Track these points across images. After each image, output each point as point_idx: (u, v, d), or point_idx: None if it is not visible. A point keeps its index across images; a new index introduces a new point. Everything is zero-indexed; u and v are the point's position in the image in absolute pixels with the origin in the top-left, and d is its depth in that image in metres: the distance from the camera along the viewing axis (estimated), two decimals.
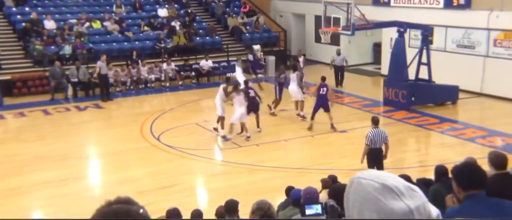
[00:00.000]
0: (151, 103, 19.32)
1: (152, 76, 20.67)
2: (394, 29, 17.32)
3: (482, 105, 17.55)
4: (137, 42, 22.22)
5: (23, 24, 21.21)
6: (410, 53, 17.01)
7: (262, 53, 21.97)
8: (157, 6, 25.08)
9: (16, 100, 18.85)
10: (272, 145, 13.67)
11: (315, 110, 14.41)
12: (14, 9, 22.73)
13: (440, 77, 17.06)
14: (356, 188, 1.54)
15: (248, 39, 23.99)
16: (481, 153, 10.93)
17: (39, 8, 22.96)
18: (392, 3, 20.94)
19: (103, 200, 1.49)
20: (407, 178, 5.51)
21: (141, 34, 22.82)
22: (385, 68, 19.89)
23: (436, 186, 6.32)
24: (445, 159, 10.63)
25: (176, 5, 25.29)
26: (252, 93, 14.40)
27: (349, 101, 18.26)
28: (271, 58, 23.06)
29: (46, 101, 18.43)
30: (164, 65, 20.95)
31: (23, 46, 20.97)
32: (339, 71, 20.33)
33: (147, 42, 22.45)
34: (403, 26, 16.75)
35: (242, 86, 14.67)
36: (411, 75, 16.75)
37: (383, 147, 10.28)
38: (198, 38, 23.32)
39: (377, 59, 23.57)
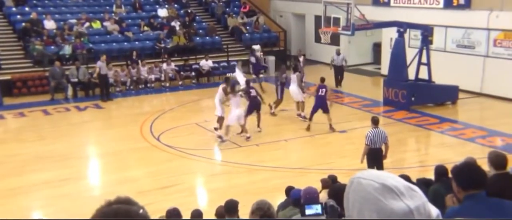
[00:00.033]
0: (151, 103, 19.31)
1: (152, 76, 20.66)
2: (394, 29, 17.32)
3: (482, 105, 17.55)
4: (137, 42, 22.21)
5: (23, 24, 21.20)
6: (410, 53, 17.01)
7: (262, 53, 21.96)
8: (157, 6, 25.07)
9: (16, 100, 18.84)
10: (272, 145, 13.66)
11: (314, 111, 14.41)
12: (14, 9, 22.72)
13: (440, 77, 17.06)
14: (356, 188, 1.54)
15: (248, 39, 23.98)
16: (481, 153, 10.93)
17: (39, 8, 22.95)
18: (392, 3, 20.93)
19: (103, 200, 1.50)
20: (407, 178, 5.52)
21: (141, 34, 22.81)
22: (385, 68, 19.89)
23: (436, 186, 6.32)
24: (445, 159, 10.63)
25: (176, 5, 25.28)
26: (253, 93, 14.40)
27: (349, 101, 18.26)
28: (271, 58, 23.08)
29: (46, 101, 18.43)
30: (164, 65, 20.94)
31: (23, 46, 20.96)
32: (339, 71, 20.33)
33: (147, 42, 22.44)
34: (403, 26, 16.75)
35: (243, 86, 14.66)
36: (411, 75, 16.75)
37: (383, 147, 10.28)
38: (198, 38, 23.31)
39: (377, 59, 23.57)
